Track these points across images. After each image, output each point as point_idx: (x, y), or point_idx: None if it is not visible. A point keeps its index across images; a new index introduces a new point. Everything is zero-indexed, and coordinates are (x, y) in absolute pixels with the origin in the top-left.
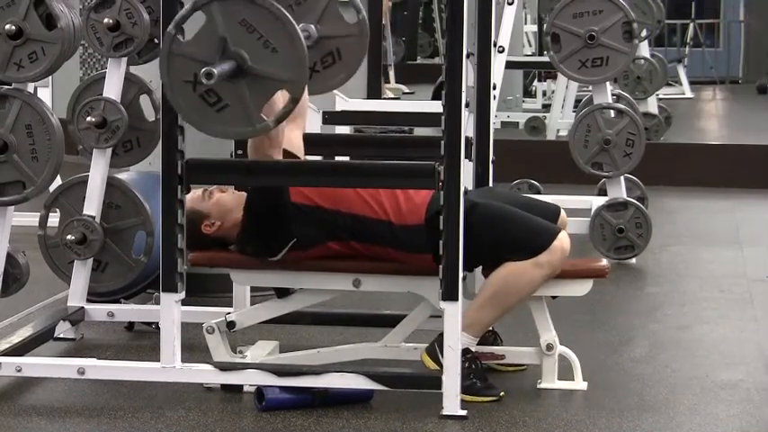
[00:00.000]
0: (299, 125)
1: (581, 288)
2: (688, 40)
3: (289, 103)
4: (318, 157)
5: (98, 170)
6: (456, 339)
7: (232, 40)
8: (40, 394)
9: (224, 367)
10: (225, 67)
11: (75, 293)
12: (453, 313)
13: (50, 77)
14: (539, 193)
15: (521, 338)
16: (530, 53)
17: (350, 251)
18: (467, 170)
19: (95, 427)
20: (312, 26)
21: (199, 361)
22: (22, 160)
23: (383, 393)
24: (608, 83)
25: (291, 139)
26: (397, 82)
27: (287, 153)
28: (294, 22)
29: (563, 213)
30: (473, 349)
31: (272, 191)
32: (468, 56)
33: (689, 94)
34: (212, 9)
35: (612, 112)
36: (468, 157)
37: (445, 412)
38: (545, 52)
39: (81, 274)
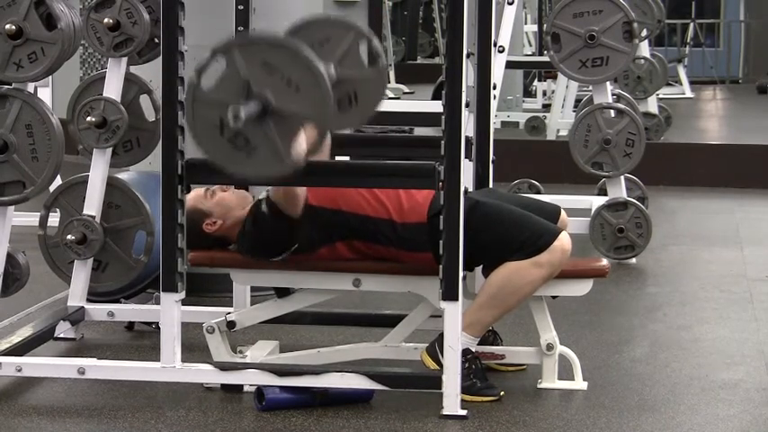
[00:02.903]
0: None
1: (581, 288)
2: (688, 40)
3: (317, 138)
4: None
5: (98, 170)
6: (456, 339)
7: (255, 83)
8: (40, 394)
9: (224, 367)
10: (251, 108)
11: (76, 293)
12: (453, 313)
13: (50, 77)
14: (539, 193)
15: (521, 338)
16: (530, 53)
17: (352, 251)
18: (467, 170)
19: (95, 427)
20: (332, 68)
21: (199, 361)
22: (22, 160)
23: (383, 393)
24: (608, 83)
25: None
26: (397, 82)
27: None
28: (315, 59)
29: (563, 214)
30: (473, 349)
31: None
32: (468, 56)
33: (689, 94)
34: (233, 54)
35: (612, 112)
36: (468, 157)
37: (445, 412)
38: (545, 52)
39: (81, 274)
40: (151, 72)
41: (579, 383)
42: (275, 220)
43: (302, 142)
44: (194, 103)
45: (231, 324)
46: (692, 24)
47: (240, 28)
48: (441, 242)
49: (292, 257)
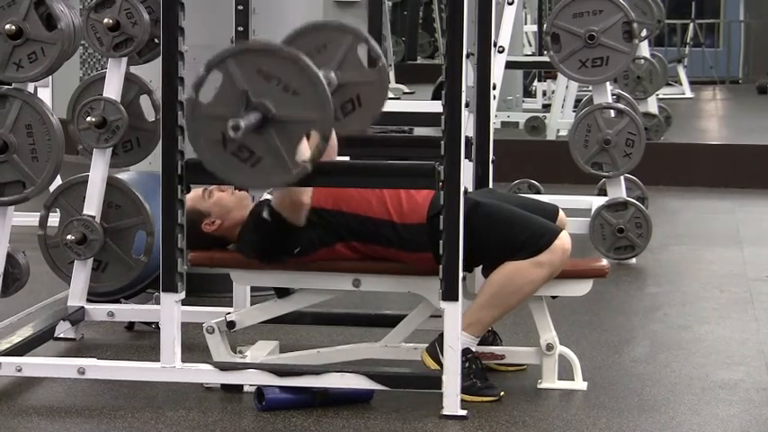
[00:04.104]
0: None
1: (581, 288)
2: (688, 40)
3: (320, 142)
4: None
5: (98, 170)
6: (456, 339)
7: (253, 92)
8: (40, 394)
9: (224, 367)
10: (251, 118)
11: (76, 293)
12: (453, 313)
13: (50, 77)
14: (539, 193)
15: (521, 338)
16: (530, 53)
17: (352, 252)
18: (467, 170)
19: (95, 427)
20: (332, 73)
21: (199, 361)
22: (22, 160)
23: (383, 393)
24: (608, 83)
25: None
26: (397, 82)
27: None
28: (309, 61)
29: (562, 213)
30: (473, 349)
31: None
32: (468, 56)
33: (689, 94)
34: (227, 65)
35: (612, 112)
36: (468, 157)
37: (445, 412)
38: (545, 52)
39: (81, 274)
40: (151, 72)
41: (579, 383)
42: (277, 227)
43: (306, 147)
44: (194, 119)
45: (231, 324)
46: (691, 24)
47: (240, 28)
48: (441, 242)
49: (291, 259)
